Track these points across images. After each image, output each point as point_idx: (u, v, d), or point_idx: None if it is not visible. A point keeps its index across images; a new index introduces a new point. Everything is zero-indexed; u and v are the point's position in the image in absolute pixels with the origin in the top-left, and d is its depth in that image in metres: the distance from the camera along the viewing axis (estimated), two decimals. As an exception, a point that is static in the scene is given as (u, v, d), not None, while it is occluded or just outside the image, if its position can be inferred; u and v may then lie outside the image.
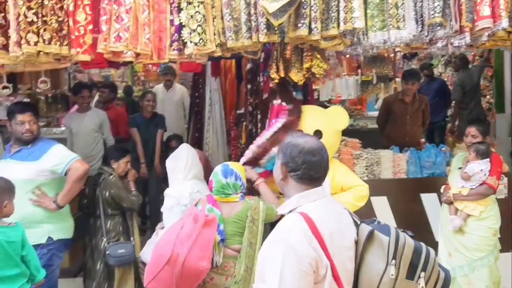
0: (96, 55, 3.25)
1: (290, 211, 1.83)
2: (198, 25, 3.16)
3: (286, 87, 4.11)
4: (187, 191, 3.48)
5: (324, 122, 3.59)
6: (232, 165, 3.09)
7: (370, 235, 1.80)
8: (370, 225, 1.86)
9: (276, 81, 4.13)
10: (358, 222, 1.89)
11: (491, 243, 3.78)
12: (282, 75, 3.95)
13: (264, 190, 3.22)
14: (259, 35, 3.22)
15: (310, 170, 1.82)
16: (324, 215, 1.80)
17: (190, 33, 3.16)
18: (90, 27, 3.20)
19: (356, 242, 1.83)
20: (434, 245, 3.96)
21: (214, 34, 3.22)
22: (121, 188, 3.92)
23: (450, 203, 3.93)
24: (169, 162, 3.76)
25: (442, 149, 4.79)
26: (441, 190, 4.09)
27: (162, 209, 3.60)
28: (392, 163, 4.62)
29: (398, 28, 3.30)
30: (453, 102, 7.24)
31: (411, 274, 1.76)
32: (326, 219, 1.79)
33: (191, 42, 3.17)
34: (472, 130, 3.92)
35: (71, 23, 3.14)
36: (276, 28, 3.26)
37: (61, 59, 3.37)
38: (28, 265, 2.67)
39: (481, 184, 3.78)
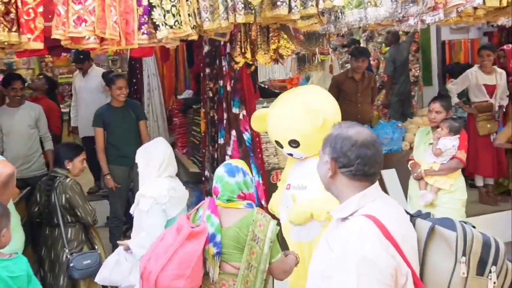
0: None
1: (351, 215, 1.62)
2: (172, 5, 2.82)
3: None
4: (164, 189, 3.18)
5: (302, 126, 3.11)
6: (234, 162, 2.70)
7: (432, 231, 1.63)
8: (427, 219, 1.69)
9: (241, 64, 3.90)
10: (411, 216, 1.72)
11: (461, 214, 3.90)
12: (249, 57, 3.72)
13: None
14: (236, 16, 2.97)
15: (365, 165, 1.61)
16: (392, 216, 1.60)
17: (164, 15, 2.82)
18: (41, 9, 2.74)
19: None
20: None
21: (189, 16, 2.90)
22: (78, 193, 3.51)
23: (421, 178, 3.98)
24: (142, 157, 3.37)
25: (398, 125, 4.87)
26: (409, 167, 4.13)
27: (133, 212, 3.27)
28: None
29: (375, 5, 3.23)
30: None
31: (481, 270, 1.62)
32: (394, 220, 1.59)
33: (165, 24, 2.83)
34: (436, 106, 3.96)
35: (19, 4, 2.65)
36: (252, 8, 3.02)
37: (6, 48, 2.86)
38: None
39: (451, 159, 3.85)
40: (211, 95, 4.14)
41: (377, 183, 1.68)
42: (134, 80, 5.69)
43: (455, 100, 5.39)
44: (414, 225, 1.68)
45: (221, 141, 4.11)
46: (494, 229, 4.38)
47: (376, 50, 9.12)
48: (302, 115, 3.09)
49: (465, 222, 1.72)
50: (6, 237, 2.17)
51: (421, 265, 1.62)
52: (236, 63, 3.83)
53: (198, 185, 4.82)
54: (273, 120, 3.27)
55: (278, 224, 2.66)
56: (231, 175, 2.53)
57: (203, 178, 4.33)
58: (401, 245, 1.53)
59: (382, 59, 8.55)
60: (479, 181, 5.52)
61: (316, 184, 2.78)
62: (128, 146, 4.28)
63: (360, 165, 1.61)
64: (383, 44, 8.50)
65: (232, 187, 2.51)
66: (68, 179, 3.48)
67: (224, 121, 4.01)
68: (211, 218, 2.47)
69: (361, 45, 9.76)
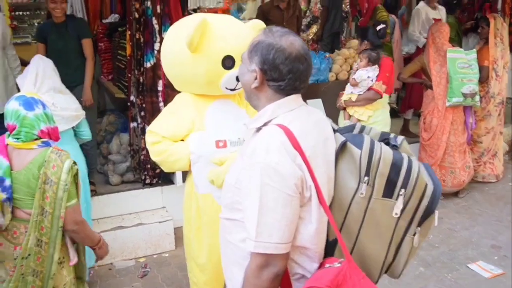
0: None
1: (265, 124, 1.53)
2: None
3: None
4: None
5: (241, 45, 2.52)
6: (28, 94, 2.31)
7: (343, 147, 1.54)
8: (345, 134, 1.60)
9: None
10: (335, 129, 1.63)
11: None
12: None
13: None
14: None
15: (296, 80, 1.50)
16: (305, 126, 1.51)
17: None
18: None
19: None
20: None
21: None
22: None
23: (343, 109, 4.11)
24: (19, 80, 3.36)
25: (326, 56, 4.93)
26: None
27: None
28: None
29: None
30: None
31: (388, 192, 1.52)
32: (307, 130, 1.50)
33: None
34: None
35: None
36: None
37: None
38: None
39: (368, 90, 3.95)
40: (137, 16, 3.94)
41: (298, 95, 1.57)
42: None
43: (423, 41, 5.59)
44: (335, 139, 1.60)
45: (147, 64, 3.99)
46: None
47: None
48: (251, 31, 2.71)
49: (386, 139, 1.65)
50: None
51: (334, 180, 1.55)
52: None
53: (124, 112, 4.72)
54: (224, 31, 2.60)
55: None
56: (28, 108, 2.20)
57: (129, 104, 4.21)
58: (310, 157, 1.45)
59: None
60: (409, 114, 5.84)
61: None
62: (65, 65, 3.97)
63: (291, 80, 1.50)
64: (315, -22, 8.46)
65: (31, 122, 2.20)
66: None
67: (154, 45, 3.88)
68: None
69: (295, -22, 9.63)
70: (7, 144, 2.21)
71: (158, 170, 4.21)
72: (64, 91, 3.38)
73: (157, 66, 3.97)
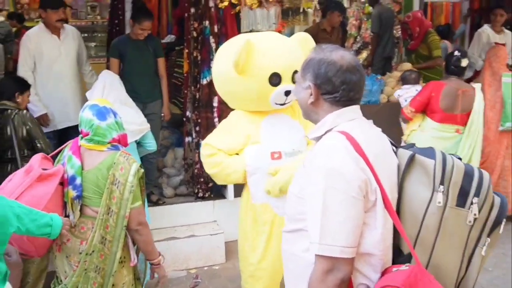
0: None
1: (325, 133, 1.55)
2: None
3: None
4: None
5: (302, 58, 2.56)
6: (100, 102, 2.43)
7: (411, 160, 1.55)
8: (410, 149, 1.61)
9: (226, 3, 3.92)
10: (396, 147, 1.65)
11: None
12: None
13: None
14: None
15: (350, 91, 1.53)
16: (366, 135, 1.53)
17: None
18: None
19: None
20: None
21: None
22: (37, 125, 3.52)
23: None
24: (88, 94, 3.56)
25: (378, 77, 4.97)
26: None
27: None
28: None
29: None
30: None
31: (461, 201, 1.51)
32: (369, 139, 1.52)
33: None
34: None
35: None
36: None
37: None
38: (31, 233, 1.98)
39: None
40: (195, 35, 4.13)
41: (357, 106, 1.61)
42: (116, 22, 5.56)
43: (480, 63, 5.57)
44: (396, 155, 1.62)
45: (203, 81, 4.14)
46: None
47: (359, 10, 9.12)
48: (297, 47, 2.76)
49: (453, 155, 1.64)
50: None
51: (399, 195, 1.55)
52: (221, 1, 3.85)
53: (179, 128, 4.89)
54: (269, 49, 2.68)
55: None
56: (101, 118, 2.31)
57: (184, 119, 4.38)
58: (374, 163, 1.46)
59: (365, 19, 8.58)
60: None
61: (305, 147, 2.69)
62: (143, 82, 4.18)
63: (345, 91, 1.53)
64: (366, 5, 8.52)
65: (104, 131, 2.31)
66: (25, 111, 3.43)
67: (211, 63, 4.04)
68: (72, 160, 2.31)
69: (345, 5, 9.78)
70: (80, 146, 2.35)
71: (210, 184, 4.32)
72: (129, 103, 3.52)
73: (213, 83, 4.11)
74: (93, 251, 2.27)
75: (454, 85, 4.03)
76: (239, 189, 4.39)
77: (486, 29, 5.89)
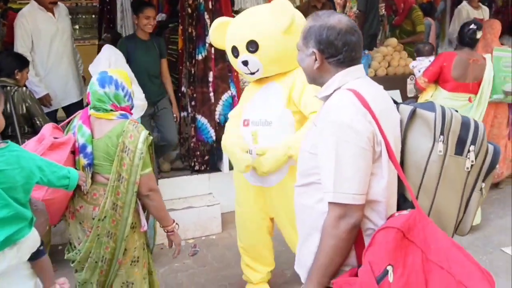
0: None
1: (334, 91, 1.64)
2: None
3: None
4: None
5: (264, 26, 2.77)
6: (112, 72, 2.46)
7: (413, 113, 1.65)
8: (411, 104, 1.72)
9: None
10: (398, 103, 1.74)
11: None
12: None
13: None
14: None
15: (352, 51, 1.63)
16: (372, 93, 1.62)
17: None
18: None
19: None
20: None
21: None
22: (37, 102, 3.58)
23: None
24: (92, 68, 3.61)
25: (365, 52, 5.12)
26: None
27: None
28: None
29: None
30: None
31: (460, 149, 1.63)
32: (374, 96, 1.61)
33: None
34: None
35: None
36: None
37: None
38: (52, 184, 2.05)
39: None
40: (189, 11, 4.20)
41: (361, 65, 1.70)
42: (107, 6, 5.58)
43: None
44: (398, 110, 1.70)
45: (198, 57, 4.23)
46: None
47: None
48: (268, 15, 2.79)
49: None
50: None
51: (402, 147, 1.64)
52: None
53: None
54: (234, 24, 2.92)
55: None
56: (101, 85, 2.38)
57: (179, 94, 4.47)
58: (379, 118, 1.54)
59: (349, -2, 8.70)
60: None
61: (283, 118, 2.78)
62: (152, 82, 4.22)
63: (347, 52, 1.62)
64: (351, -17, 8.61)
65: (100, 97, 2.37)
66: (24, 88, 3.47)
67: (206, 38, 4.13)
68: (82, 129, 2.38)
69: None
70: (90, 115, 2.42)
71: (206, 158, 4.45)
72: (134, 80, 3.57)
73: (208, 58, 4.20)
74: (105, 217, 2.35)
75: (465, 55, 4.20)
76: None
77: (465, 5, 6.09)
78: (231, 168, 4.45)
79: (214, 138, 4.33)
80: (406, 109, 1.67)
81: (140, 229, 2.49)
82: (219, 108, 4.31)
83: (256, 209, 3.03)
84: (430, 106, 1.67)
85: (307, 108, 2.72)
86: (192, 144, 4.40)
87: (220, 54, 4.23)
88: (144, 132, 2.38)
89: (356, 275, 1.48)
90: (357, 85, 1.61)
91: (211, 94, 4.25)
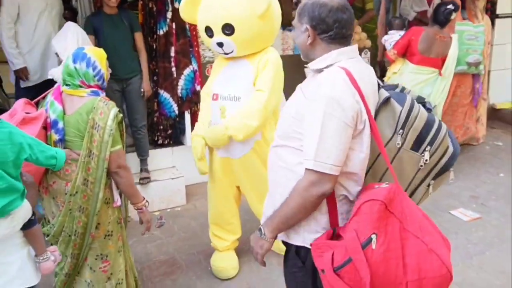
0: None
1: (327, 67, 1.72)
2: None
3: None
4: None
5: (240, 10, 2.81)
6: (88, 49, 2.48)
7: (386, 101, 1.77)
8: (389, 91, 1.83)
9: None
10: (381, 85, 1.85)
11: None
12: None
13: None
14: None
15: (343, 28, 1.72)
16: (362, 73, 1.73)
17: None
18: None
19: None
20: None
21: None
22: None
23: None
24: (58, 44, 3.58)
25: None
26: None
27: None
28: (281, 40, 4.97)
29: None
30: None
31: (417, 146, 1.75)
32: (364, 77, 1.73)
33: None
34: None
35: None
36: None
37: None
38: (40, 162, 2.10)
39: None
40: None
41: (355, 46, 1.80)
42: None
43: (412, 14, 5.98)
44: (378, 92, 1.81)
45: (160, 32, 4.27)
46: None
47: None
48: None
49: (422, 101, 1.87)
50: None
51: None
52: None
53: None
54: (208, 3, 2.92)
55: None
56: (73, 60, 2.42)
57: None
58: (366, 97, 1.67)
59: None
60: None
61: (251, 94, 2.87)
62: (119, 57, 3.96)
63: (338, 29, 1.70)
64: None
65: (70, 71, 2.41)
66: None
67: (166, 13, 4.16)
68: (54, 105, 2.41)
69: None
70: (62, 91, 2.46)
71: (169, 132, 4.53)
72: None
73: (169, 33, 4.25)
74: (76, 192, 2.40)
75: (433, 31, 4.49)
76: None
77: None
78: (193, 141, 4.57)
79: (176, 112, 4.42)
80: (383, 94, 1.79)
81: (113, 204, 2.57)
82: (181, 83, 4.38)
83: (224, 178, 3.19)
84: (402, 98, 1.78)
85: (256, 85, 2.87)
86: (155, 119, 4.47)
87: (181, 29, 4.29)
88: (114, 110, 2.41)
89: (331, 237, 1.66)
90: (349, 65, 1.71)
91: (173, 69, 4.31)
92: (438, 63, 4.55)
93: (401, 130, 1.72)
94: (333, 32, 1.71)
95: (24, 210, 1.94)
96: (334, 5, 1.70)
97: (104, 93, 2.54)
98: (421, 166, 1.76)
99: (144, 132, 4.27)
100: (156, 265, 3.51)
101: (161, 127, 4.48)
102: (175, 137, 4.63)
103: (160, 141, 4.55)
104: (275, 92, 2.87)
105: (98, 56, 2.48)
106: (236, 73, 2.97)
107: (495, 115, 6.57)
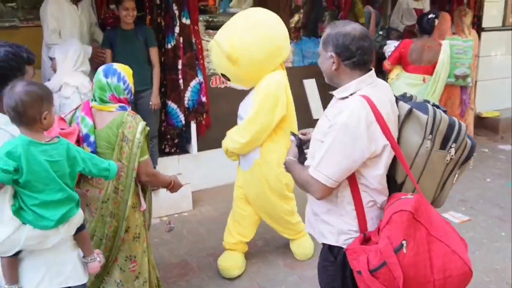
0: None
1: (350, 94, 1.91)
2: None
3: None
4: (86, 81, 3.72)
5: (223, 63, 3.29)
6: (117, 66, 2.67)
7: (409, 113, 1.93)
8: (408, 103, 1.99)
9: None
10: (397, 99, 2.02)
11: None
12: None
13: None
14: None
15: (364, 54, 1.90)
16: (381, 97, 1.90)
17: None
18: None
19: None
20: (312, 123, 4.77)
21: None
22: None
23: None
24: (60, 52, 3.84)
25: (319, 41, 5.54)
26: None
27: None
28: (281, 53, 5.22)
29: None
30: None
31: (443, 145, 1.92)
32: (383, 100, 1.90)
33: None
34: None
35: None
36: None
37: None
38: (93, 174, 2.26)
39: None
40: (158, 2, 4.41)
41: (373, 71, 1.97)
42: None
43: (402, 27, 6.43)
44: (397, 105, 1.98)
45: (168, 46, 4.48)
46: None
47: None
48: (217, 50, 3.23)
49: (437, 106, 2.03)
50: (48, 119, 2.01)
51: (398, 139, 1.92)
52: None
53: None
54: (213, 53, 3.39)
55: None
56: (105, 75, 2.58)
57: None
58: (386, 120, 1.85)
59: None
60: None
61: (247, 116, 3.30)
62: (133, 71, 3.91)
63: (360, 55, 1.89)
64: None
65: (102, 85, 2.56)
66: None
67: (174, 28, 4.38)
68: (85, 120, 2.57)
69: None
70: (92, 107, 2.62)
71: (176, 141, 4.74)
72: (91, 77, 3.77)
73: (177, 47, 4.46)
74: (108, 199, 2.58)
75: (421, 42, 4.92)
76: (201, 144, 4.89)
77: None
78: (199, 149, 4.80)
79: (183, 122, 4.64)
80: (404, 107, 1.96)
81: (140, 208, 2.76)
82: (187, 94, 4.60)
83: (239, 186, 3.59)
84: (423, 108, 1.95)
85: (247, 112, 3.29)
86: (163, 128, 4.67)
87: (188, 43, 4.51)
88: (142, 123, 2.59)
89: (362, 241, 1.90)
90: (369, 91, 1.90)
91: (180, 81, 4.52)
92: (429, 70, 4.96)
93: (430, 135, 1.89)
94: (356, 58, 1.90)
95: (78, 217, 2.14)
96: (356, 34, 1.89)
97: (130, 107, 2.74)
98: (447, 160, 1.94)
99: (155, 142, 4.45)
100: (169, 267, 3.71)
101: (169, 136, 4.69)
102: (182, 146, 4.83)
103: (167, 150, 4.75)
104: (258, 116, 3.21)
105: (126, 71, 2.67)
106: (246, 100, 3.41)
107: (481, 123, 6.93)
